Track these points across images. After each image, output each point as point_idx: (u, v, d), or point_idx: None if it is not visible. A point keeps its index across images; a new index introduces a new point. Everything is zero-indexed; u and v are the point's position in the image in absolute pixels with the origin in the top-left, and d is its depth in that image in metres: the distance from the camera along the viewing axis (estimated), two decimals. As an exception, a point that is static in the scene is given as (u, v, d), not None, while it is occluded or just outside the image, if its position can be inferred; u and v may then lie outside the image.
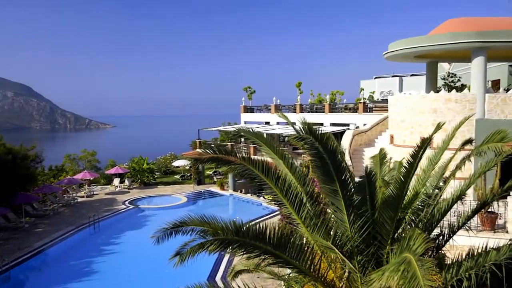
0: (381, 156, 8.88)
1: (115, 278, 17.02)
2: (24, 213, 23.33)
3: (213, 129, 36.94)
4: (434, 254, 6.79)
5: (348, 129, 25.42)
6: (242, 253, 5.51)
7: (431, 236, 6.84)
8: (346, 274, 5.99)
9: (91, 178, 32.92)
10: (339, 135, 23.85)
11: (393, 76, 44.60)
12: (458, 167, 7.19)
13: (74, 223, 23.23)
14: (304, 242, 6.32)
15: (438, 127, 6.62)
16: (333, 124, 29.02)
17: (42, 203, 27.06)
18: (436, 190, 7.23)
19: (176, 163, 36.65)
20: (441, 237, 7.00)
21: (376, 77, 46.56)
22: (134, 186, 34.04)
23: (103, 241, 21.40)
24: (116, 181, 33.64)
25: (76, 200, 28.88)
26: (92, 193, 31.57)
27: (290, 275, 6.83)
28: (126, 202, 28.76)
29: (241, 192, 31.42)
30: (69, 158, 38.49)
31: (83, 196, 30.39)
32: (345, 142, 22.65)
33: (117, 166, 34.56)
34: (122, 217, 25.91)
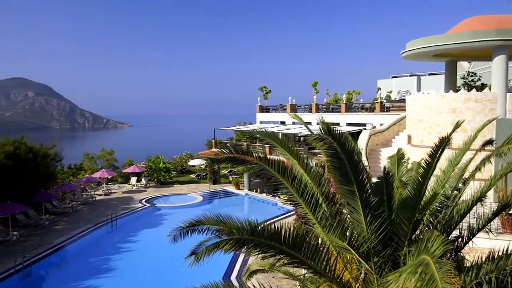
0: (399, 157, 8.77)
1: (132, 276, 17.26)
2: (44, 211, 23.85)
3: (229, 128, 37.03)
4: (453, 256, 6.66)
5: (365, 129, 25.17)
6: (257, 252, 5.51)
7: (450, 238, 6.72)
8: (362, 275, 5.93)
9: (109, 177, 33.44)
10: (355, 135, 23.64)
11: (410, 76, 44.01)
12: (477, 168, 7.04)
13: (93, 221, 23.62)
14: (320, 242, 6.28)
15: (457, 125, 6.49)
16: (349, 124, 28.77)
17: (62, 201, 27.62)
18: (455, 192, 7.11)
19: (192, 162, 36.96)
20: (460, 239, 6.87)
21: (393, 77, 46.00)
22: (150, 185, 34.45)
23: (120, 239, 21.70)
24: (133, 179, 34.09)
25: (94, 198, 29.37)
26: (109, 191, 32.09)
27: (306, 275, 6.80)
28: (143, 201, 29.11)
29: (256, 191, 31.45)
30: (87, 157, 39.18)
31: (101, 195, 30.90)
32: (362, 142, 22.44)
33: (134, 165, 35.02)
34: (139, 215, 26.23)
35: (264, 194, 30.58)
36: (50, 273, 18.01)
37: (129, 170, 33.75)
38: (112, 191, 32.64)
